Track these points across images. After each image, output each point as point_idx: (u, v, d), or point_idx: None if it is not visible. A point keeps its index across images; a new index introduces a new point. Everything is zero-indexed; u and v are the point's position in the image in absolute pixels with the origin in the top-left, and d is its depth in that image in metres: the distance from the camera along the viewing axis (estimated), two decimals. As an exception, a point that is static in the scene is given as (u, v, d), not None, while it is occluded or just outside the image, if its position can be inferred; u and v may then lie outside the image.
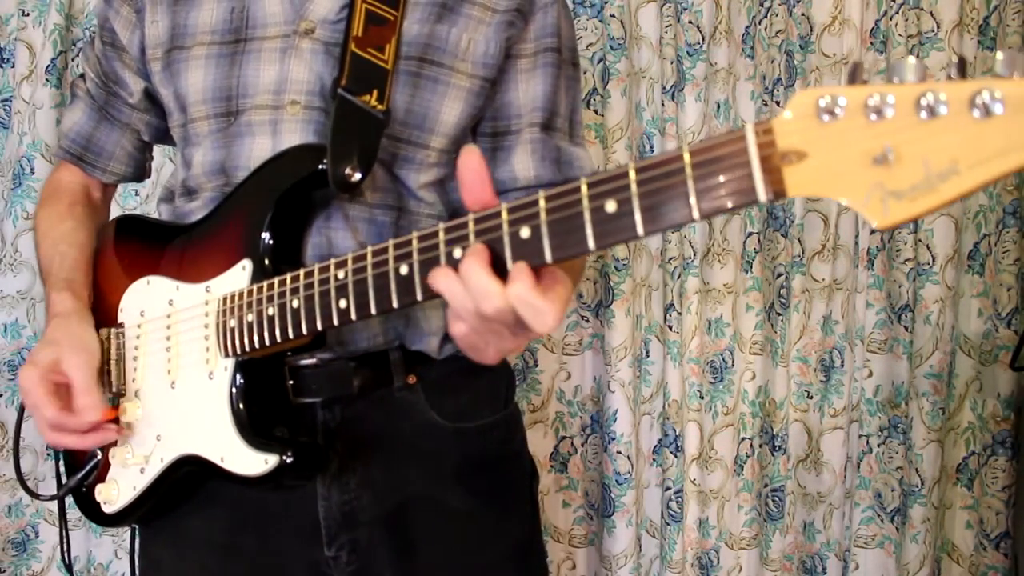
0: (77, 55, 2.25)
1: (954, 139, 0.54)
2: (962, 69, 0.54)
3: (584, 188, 0.71)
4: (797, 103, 0.60)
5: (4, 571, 2.27)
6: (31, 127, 2.19)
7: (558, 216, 0.73)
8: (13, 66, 2.25)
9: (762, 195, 0.61)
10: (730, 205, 0.63)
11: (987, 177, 0.53)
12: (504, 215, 0.76)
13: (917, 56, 2.34)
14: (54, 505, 2.29)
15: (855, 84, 0.58)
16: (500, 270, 0.76)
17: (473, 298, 0.77)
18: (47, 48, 2.19)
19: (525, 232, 0.75)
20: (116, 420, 1.14)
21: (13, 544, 2.29)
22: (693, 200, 0.65)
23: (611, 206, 0.69)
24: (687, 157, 0.65)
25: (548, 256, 0.74)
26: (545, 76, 1.20)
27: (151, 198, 2.29)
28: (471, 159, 0.82)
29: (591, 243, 0.71)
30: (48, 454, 2.24)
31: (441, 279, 0.79)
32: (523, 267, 0.75)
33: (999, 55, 0.52)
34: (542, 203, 0.74)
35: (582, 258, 1.20)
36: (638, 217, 0.68)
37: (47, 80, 2.19)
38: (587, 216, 0.71)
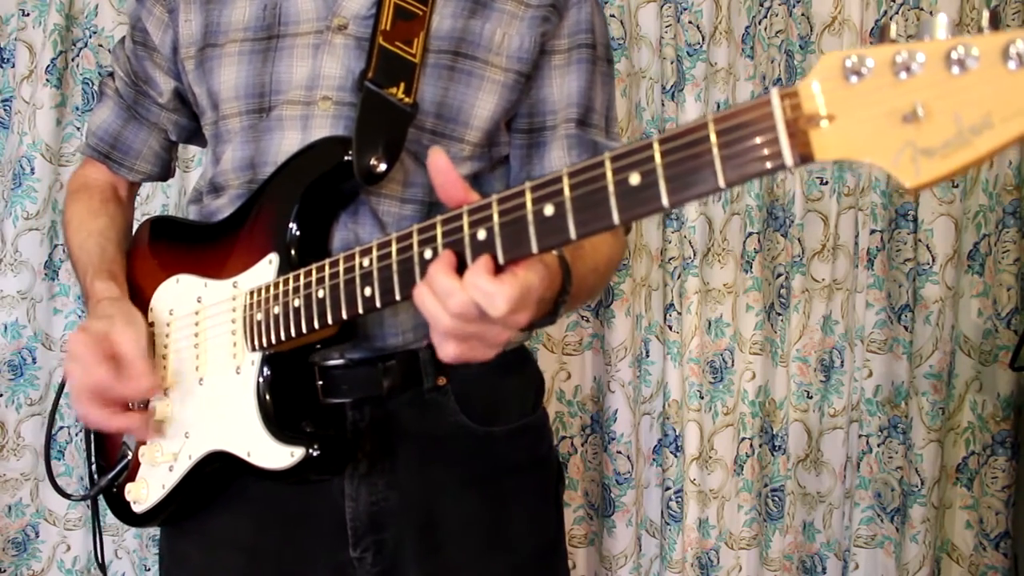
0: (77, 55, 2.25)
1: (987, 91, 0.52)
2: (995, 22, 0.53)
3: (608, 163, 0.71)
4: (823, 66, 0.59)
5: (4, 571, 2.26)
6: (31, 127, 2.19)
7: (582, 192, 0.73)
8: (13, 66, 2.25)
9: (789, 159, 0.61)
10: (756, 171, 0.63)
11: (1023, 128, 0.52)
12: (528, 194, 0.76)
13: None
14: (55, 505, 2.29)
15: (883, 43, 0.57)
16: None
17: (441, 301, 0.81)
18: (47, 48, 2.19)
19: (549, 210, 0.75)
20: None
21: (13, 544, 2.27)
22: (719, 168, 0.64)
23: (635, 179, 0.69)
24: (711, 125, 0.65)
25: (572, 233, 0.74)
26: (580, 72, 1.20)
27: (151, 198, 2.29)
28: (437, 160, 0.84)
29: (615, 217, 0.71)
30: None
31: (415, 293, 0.84)
32: (482, 258, 0.78)
33: None
34: (566, 180, 0.74)
35: (607, 252, 1.18)
36: (663, 188, 0.67)
37: (47, 80, 2.19)
38: (611, 190, 0.70)
